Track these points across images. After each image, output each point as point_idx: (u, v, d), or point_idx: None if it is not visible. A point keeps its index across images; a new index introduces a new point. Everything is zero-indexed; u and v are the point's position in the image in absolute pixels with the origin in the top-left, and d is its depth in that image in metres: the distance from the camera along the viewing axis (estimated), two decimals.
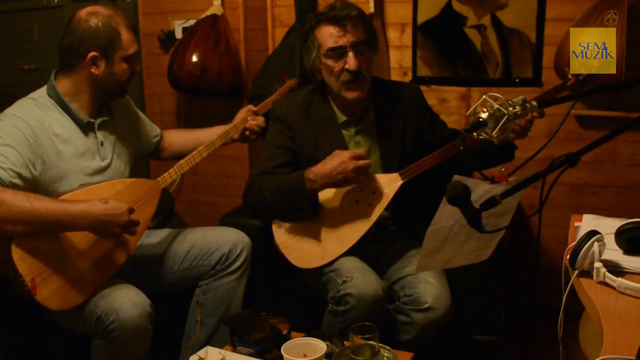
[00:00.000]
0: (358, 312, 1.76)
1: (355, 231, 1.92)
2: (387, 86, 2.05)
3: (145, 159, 2.26)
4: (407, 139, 2.00)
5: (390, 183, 1.90)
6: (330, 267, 1.92)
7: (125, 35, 1.78)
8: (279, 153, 1.99)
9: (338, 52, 1.87)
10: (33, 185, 1.69)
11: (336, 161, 1.82)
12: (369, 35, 1.92)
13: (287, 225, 2.02)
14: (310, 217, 1.95)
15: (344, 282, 1.80)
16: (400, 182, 1.90)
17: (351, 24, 1.86)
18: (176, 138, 2.23)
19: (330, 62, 1.89)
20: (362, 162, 1.82)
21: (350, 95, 1.90)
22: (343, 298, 1.79)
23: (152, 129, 2.18)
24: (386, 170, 1.97)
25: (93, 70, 1.77)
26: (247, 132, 2.16)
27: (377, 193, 1.90)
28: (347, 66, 1.86)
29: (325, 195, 1.94)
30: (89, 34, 1.74)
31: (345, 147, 1.97)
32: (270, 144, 2.02)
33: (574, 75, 1.76)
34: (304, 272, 2.04)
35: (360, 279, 1.79)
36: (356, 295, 1.76)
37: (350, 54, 1.86)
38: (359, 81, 1.89)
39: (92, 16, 1.75)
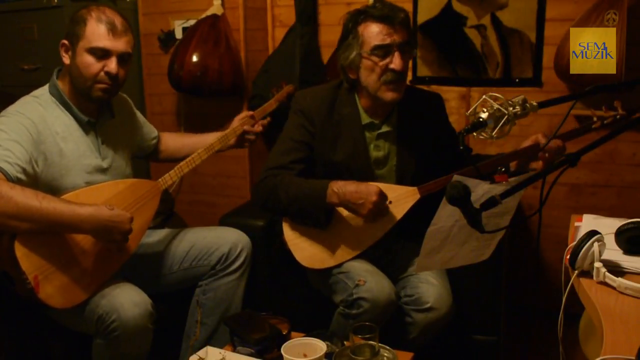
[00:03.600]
0: (371, 315, 1.75)
1: (366, 238, 1.91)
2: (412, 93, 2.01)
3: (142, 160, 2.25)
4: (425, 150, 1.97)
5: (407, 196, 1.87)
6: (340, 269, 1.90)
7: (92, 27, 1.74)
8: (298, 148, 1.95)
9: (384, 51, 1.83)
10: (34, 181, 1.69)
11: (366, 187, 1.80)
12: (412, 38, 1.91)
13: (299, 225, 2.00)
14: (322, 227, 1.92)
15: (357, 285, 1.79)
16: (418, 197, 1.87)
17: (399, 24, 1.84)
18: (172, 142, 2.22)
19: (374, 60, 1.84)
20: (384, 204, 1.81)
21: (389, 96, 1.86)
22: (356, 301, 1.78)
23: (151, 131, 2.18)
24: (400, 177, 1.95)
25: (65, 59, 1.79)
26: (246, 143, 2.16)
27: (394, 204, 1.87)
28: (392, 65, 1.83)
29: None
30: (68, 24, 1.78)
31: (366, 149, 1.95)
32: (289, 137, 1.97)
33: (599, 118, 1.77)
34: (307, 272, 2.03)
35: (373, 283, 1.78)
36: (370, 299, 1.76)
37: (397, 54, 1.83)
38: (400, 82, 1.86)
39: (80, 9, 1.78)
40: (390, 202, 1.87)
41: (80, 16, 1.76)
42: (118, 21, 1.77)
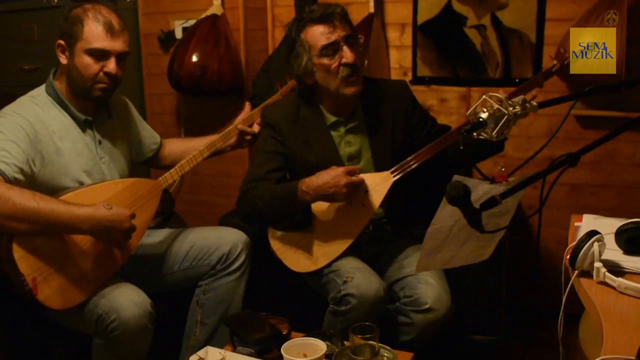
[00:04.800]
0: (359, 312, 1.76)
1: (350, 231, 1.92)
2: (374, 84, 2.05)
3: (142, 166, 2.24)
4: (398, 136, 2.00)
5: (382, 181, 1.90)
6: (330, 268, 1.92)
7: (90, 28, 1.74)
8: (271, 158, 2.00)
9: (332, 49, 1.86)
10: (32, 181, 1.69)
11: (330, 175, 1.82)
12: (354, 29, 1.94)
13: (281, 230, 2.03)
14: (302, 228, 1.96)
15: (345, 282, 1.80)
16: (393, 179, 1.90)
17: (338, 20, 1.87)
18: (175, 148, 2.21)
19: (325, 61, 1.87)
20: (355, 178, 1.82)
21: (350, 90, 1.89)
22: (344, 298, 1.79)
23: (152, 136, 2.17)
24: (378, 168, 1.97)
25: (62, 59, 1.78)
26: (246, 141, 2.17)
27: (370, 192, 1.89)
28: (344, 60, 1.85)
29: None
30: (62, 24, 1.77)
31: (335, 148, 1.98)
32: (262, 149, 2.03)
33: (558, 60, 1.76)
34: (303, 275, 2.04)
35: (361, 279, 1.79)
36: (357, 295, 1.76)
37: (345, 48, 1.86)
38: (357, 74, 1.89)
39: (74, 8, 1.77)
40: (367, 192, 1.89)
41: (76, 16, 1.75)
42: (115, 21, 1.77)
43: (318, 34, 1.87)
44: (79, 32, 1.74)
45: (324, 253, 1.94)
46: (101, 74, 1.77)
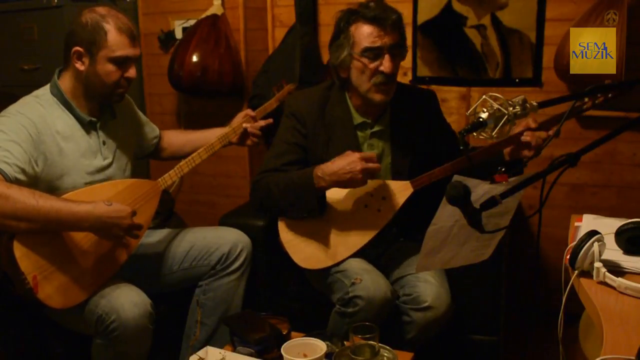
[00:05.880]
0: (366, 313, 1.75)
1: (362, 236, 1.91)
2: (405, 90, 2.03)
3: (144, 159, 2.26)
4: (420, 146, 1.98)
5: (400, 190, 1.88)
6: (337, 267, 1.91)
7: (114, 36, 1.74)
8: (291, 150, 1.97)
9: (374, 53, 1.83)
10: (34, 181, 1.69)
11: (345, 160, 1.79)
12: (403, 40, 1.90)
13: (293, 224, 1.99)
14: (316, 216, 1.92)
15: (353, 284, 1.79)
16: (411, 190, 1.88)
17: (390, 26, 1.83)
18: (175, 139, 2.23)
19: (364, 62, 1.84)
20: (371, 165, 1.78)
21: (378, 97, 1.87)
22: (352, 300, 1.78)
23: (152, 130, 2.18)
24: (396, 174, 1.96)
25: (78, 65, 1.77)
26: (249, 142, 2.17)
27: (387, 199, 1.88)
28: (382, 68, 1.83)
29: (335, 197, 1.93)
30: (77, 29, 1.76)
31: (359, 148, 1.95)
32: (283, 140, 1.99)
33: (590, 99, 1.75)
34: (306, 272, 2.03)
35: (369, 281, 1.79)
36: (365, 298, 1.76)
37: (387, 57, 1.83)
38: (390, 84, 1.87)
39: (88, 13, 1.76)
40: (384, 199, 1.88)
41: (95, 23, 1.74)
42: (132, 27, 1.80)
43: (366, 34, 1.83)
44: (102, 40, 1.74)
45: (333, 253, 1.93)
46: (122, 79, 1.79)
